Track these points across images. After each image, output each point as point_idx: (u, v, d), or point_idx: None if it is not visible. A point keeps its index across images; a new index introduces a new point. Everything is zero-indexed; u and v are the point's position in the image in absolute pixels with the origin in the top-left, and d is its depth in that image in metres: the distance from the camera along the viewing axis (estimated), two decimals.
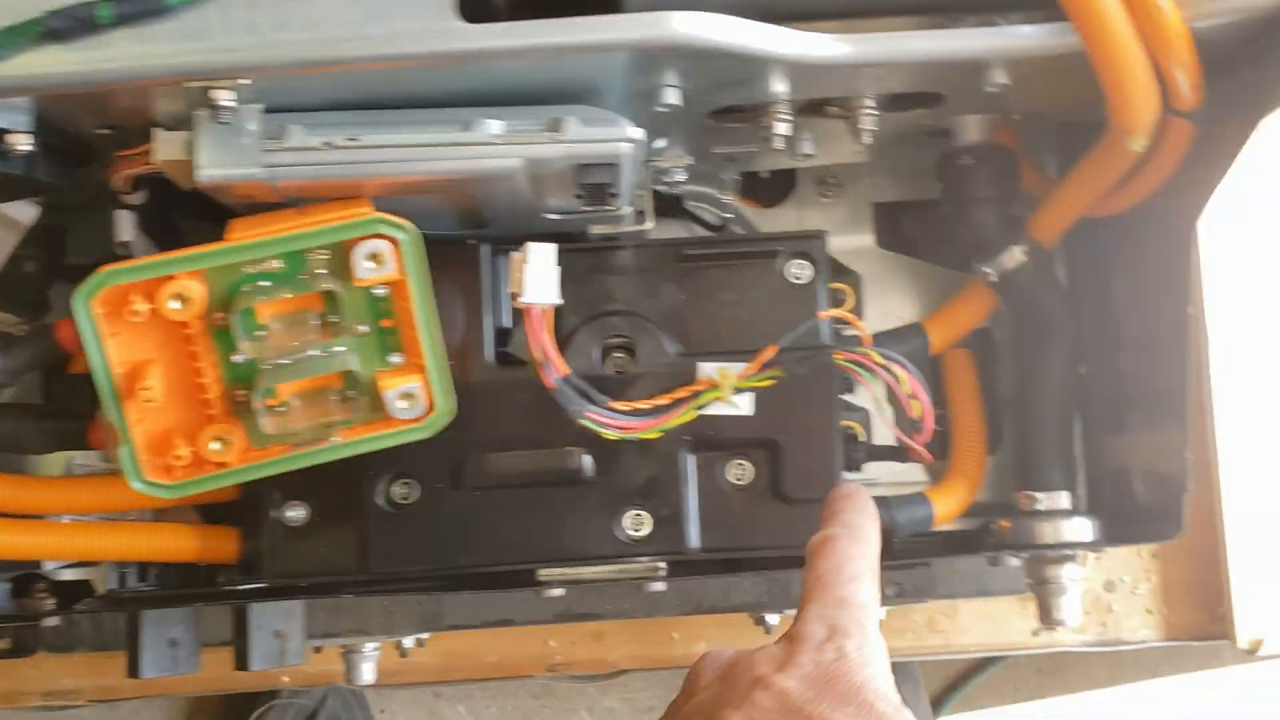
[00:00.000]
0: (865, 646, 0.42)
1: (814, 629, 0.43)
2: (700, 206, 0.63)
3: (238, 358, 0.46)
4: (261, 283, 0.46)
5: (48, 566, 0.60)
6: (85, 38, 0.43)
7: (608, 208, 0.52)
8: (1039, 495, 0.59)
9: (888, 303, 0.65)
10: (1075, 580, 0.59)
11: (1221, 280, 0.86)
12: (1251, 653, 0.84)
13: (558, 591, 0.62)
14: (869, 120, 0.51)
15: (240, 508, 0.58)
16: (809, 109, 0.53)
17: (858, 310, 0.64)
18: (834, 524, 0.47)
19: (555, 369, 0.49)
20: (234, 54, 0.43)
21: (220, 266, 0.45)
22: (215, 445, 0.46)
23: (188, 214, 0.53)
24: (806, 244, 0.56)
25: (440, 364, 0.48)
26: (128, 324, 0.44)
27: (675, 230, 0.64)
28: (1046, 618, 0.60)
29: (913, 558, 0.60)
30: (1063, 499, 0.59)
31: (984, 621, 0.87)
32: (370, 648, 0.75)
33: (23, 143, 0.45)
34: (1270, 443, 0.86)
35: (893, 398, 0.53)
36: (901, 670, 0.98)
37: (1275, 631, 0.83)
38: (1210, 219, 0.87)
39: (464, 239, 0.54)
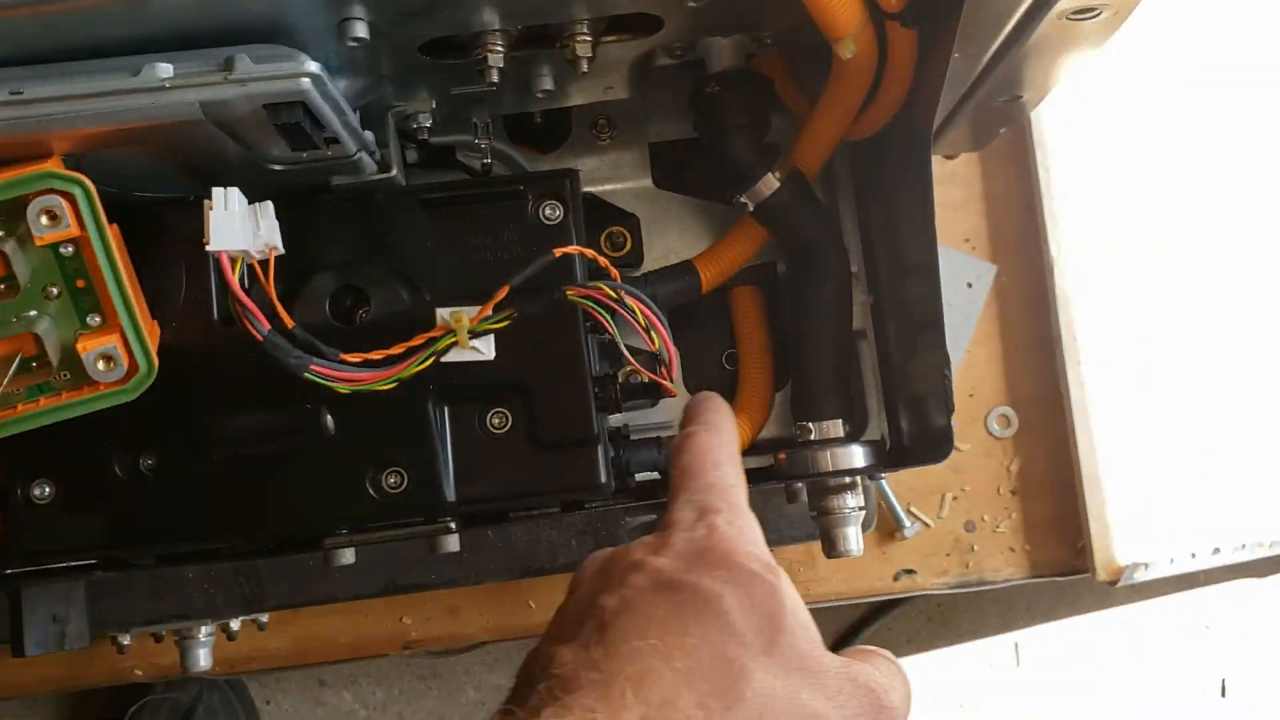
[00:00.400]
0: (736, 519, 0.43)
1: (684, 514, 0.44)
2: (469, 155, 0.62)
3: None
4: None
5: None
6: None
7: (326, 152, 0.51)
8: (813, 425, 0.58)
9: (669, 243, 0.63)
10: (855, 509, 0.58)
11: (1074, 226, 0.86)
12: (1112, 583, 0.83)
13: (348, 558, 0.60)
14: (584, 48, 0.50)
15: None
16: (530, 41, 0.52)
17: (638, 252, 0.63)
18: (693, 422, 0.49)
19: (260, 321, 0.48)
20: None
21: None
22: None
23: None
24: (556, 183, 0.55)
25: (135, 322, 0.46)
26: None
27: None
28: (831, 549, 0.58)
29: None
30: (836, 428, 0.57)
31: (842, 569, 0.86)
32: (204, 633, 0.74)
33: None
34: (1122, 374, 0.85)
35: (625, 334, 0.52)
36: None
37: (1133, 561, 0.82)
38: (1058, 130, 0.86)
39: (187, 196, 0.52)
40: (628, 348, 0.51)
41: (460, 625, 0.85)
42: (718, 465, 0.47)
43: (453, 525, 0.55)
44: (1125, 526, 0.83)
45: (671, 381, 0.52)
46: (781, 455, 0.58)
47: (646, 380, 0.52)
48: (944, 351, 0.53)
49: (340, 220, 0.54)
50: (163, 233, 0.50)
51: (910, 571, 0.86)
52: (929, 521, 0.86)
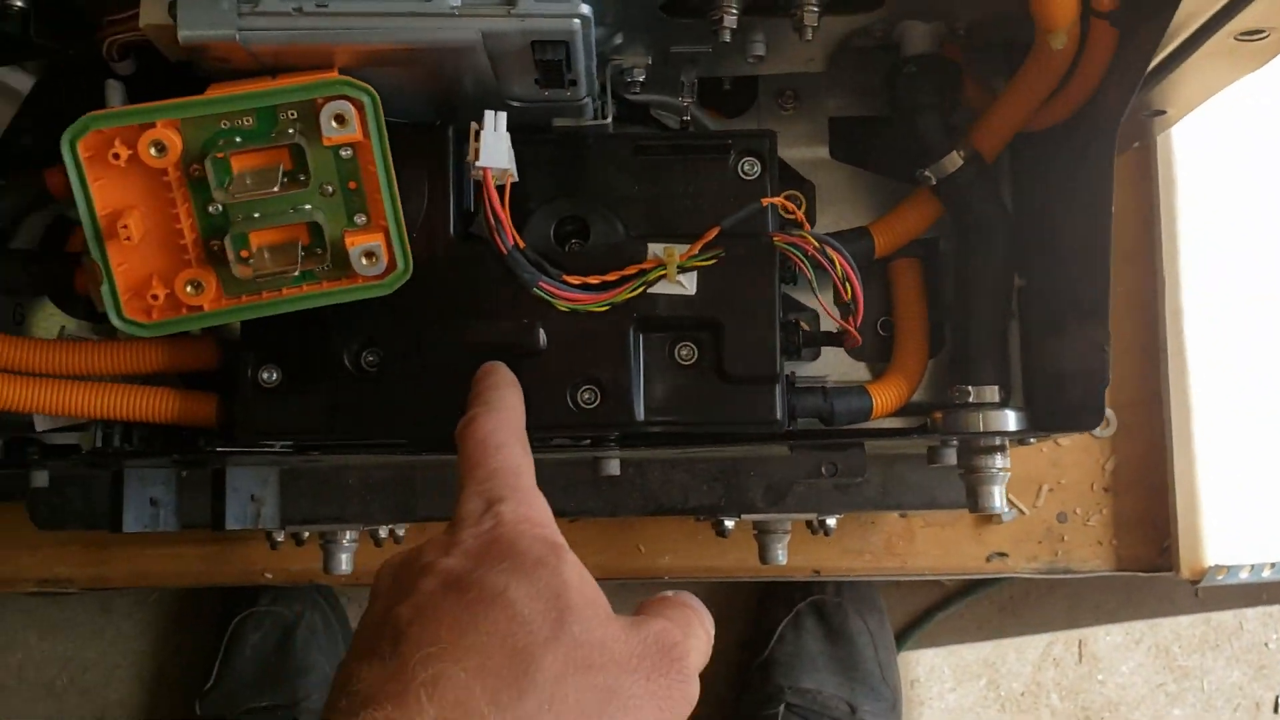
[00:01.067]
0: (520, 505, 0.44)
1: (471, 507, 0.45)
2: (664, 115, 0.66)
3: (213, 208, 0.50)
4: (236, 138, 0.49)
5: (40, 429, 0.64)
6: None
7: (565, 93, 0.56)
8: (970, 389, 0.62)
9: (839, 211, 0.68)
10: (1002, 470, 0.63)
11: (1189, 243, 0.90)
12: (1194, 583, 0.88)
13: None
14: (810, 16, 0.55)
15: (219, 375, 0.62)
16: (756, 7, 0.56)
17: (810, 216, 0.67)
18: (474, 405, 0.50)
19: (508, 236, 0.53)
20: None
21: (197, 119, 0.49)
22: (190, 289, 0.50)
23: (175, 89, 0.57)
24: (757, 141, 0.60)
25: (399, 226, 0.52)
26: (110, 169, 0.48)
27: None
28: (975, 504, 0.63)
29: (848, 442, 0.63)
30: (992, 393, 0.62)
31: (938, 546, 0.91)
32: (348, 538, 0.79)
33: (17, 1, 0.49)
34: (1221, 387, 0.89)
35: (827, 282, 0.56)
36: (867, 600, 1.02)
37: (1216, 563, 0.87)
38: (1186, 147, 0.90)
39: (430, 124, 0.57)
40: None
41: None
42: (500, 447, 0.47)
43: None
44: (1211, 530, 0.87)
45: (856, 331, 0.57)
46: (937, 414, 0.63)
47: (835, 329, 0.57)
48: (1106, 330, 0.57)
49: (561, 157, 0.59)
50: (410, 152, 0.55)
51: (1003, 554, 0.91)
52: (1024, 509, 0.90)
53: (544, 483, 0.77)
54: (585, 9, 0.50)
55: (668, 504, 0.78)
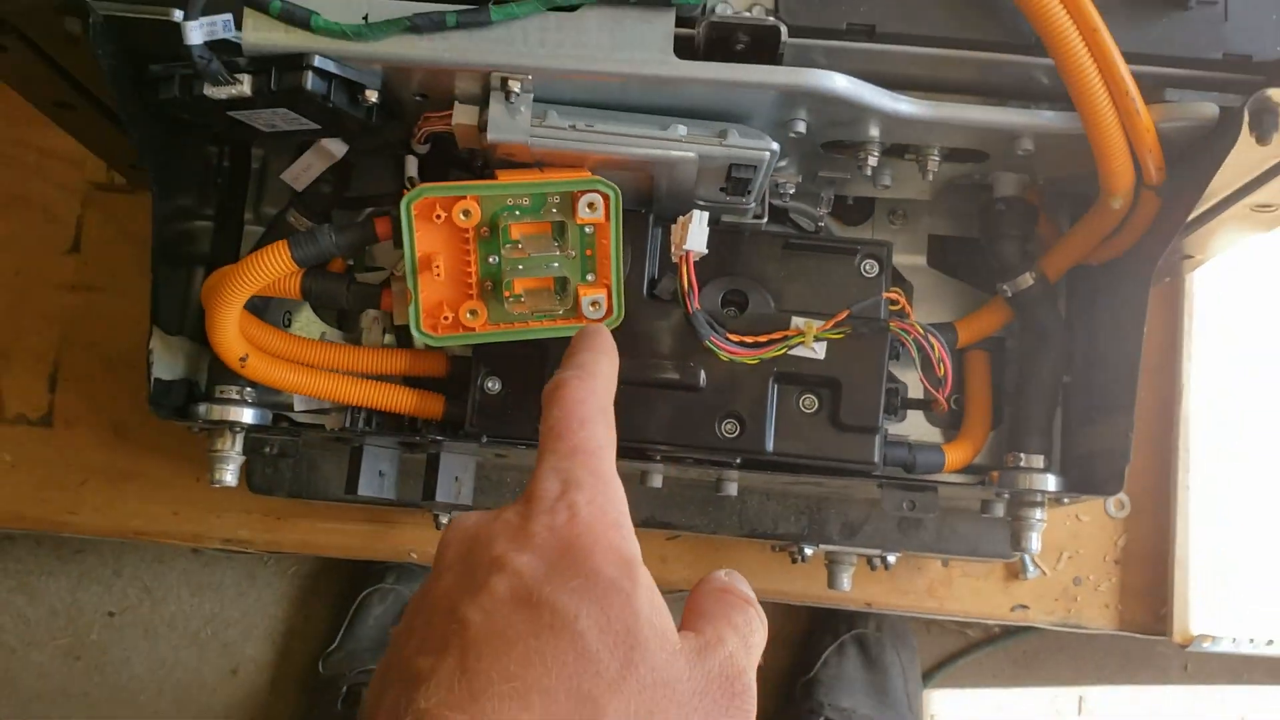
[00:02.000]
0: (597, 496, 0.43)
1: (547, 486, 0.43)
2: (800, 216, 0.85)
3: (492, 259, 0.69)
4: (515, 212, 0.68)
5: (299, 409, 0.82)
6: (434, 34, 0.65)
7: (741, 201, 0.75)
8: (1022, 455, 0.80)
9: (930, 308, 0.87)
10: (1041, 520, 0.80)
11: (1206, 363, 1.08)
12: (1183, 647, 1.04)
13: (657, 481, 0.84)
14: (933, 164, 0.74)
15: (446, 380, 0.80)
16: (891, 151, 0.75)
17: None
18: (568, 366, 0.49)
19: (696, 299, 0.72)
20: (528, 58, 0.66)
21: (493, 197, 0.67)
22: (469, 315, 0.69)
23: (453, 165, 0.76)
24: (878, 249, 0.78)
25: (620, 285, 0.70)
26: (430, 225, 0.67)
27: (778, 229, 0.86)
28: (1016, 545, 0.80)
29: (924, 485, 0.81)
30: (1039, 460, 0.80)
31: (973, 593, 1.08)
32: None
33: (371, 96, 0.68)
34: (1223, 486, 1.06)
35: (925, 361, 0.75)
36: (903, 638, 1.19)
37: (1206, 631, 1.03)
38: (1206, 286, 1.08)
39: (638, 210, 0.76)
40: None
41: (667, 572, 1.08)
42: (585, 421, 0.46)
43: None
44: (1202, 605, 1.04)
45: (945, 400, 0.75)
46: (994, 474, 0.81)
47: (924, 397, 0.75)
48: (1131, 420, 0.75)
49: (726, 244, 0.78)
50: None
51: (1025, 606, 1.08)
52: (1046, 571, 1.07)
53: (664, 500, 0.95)
54: (775, 146, 0.69)
55: (760, 529, 0.96)
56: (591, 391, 0.48)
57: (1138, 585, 1.07)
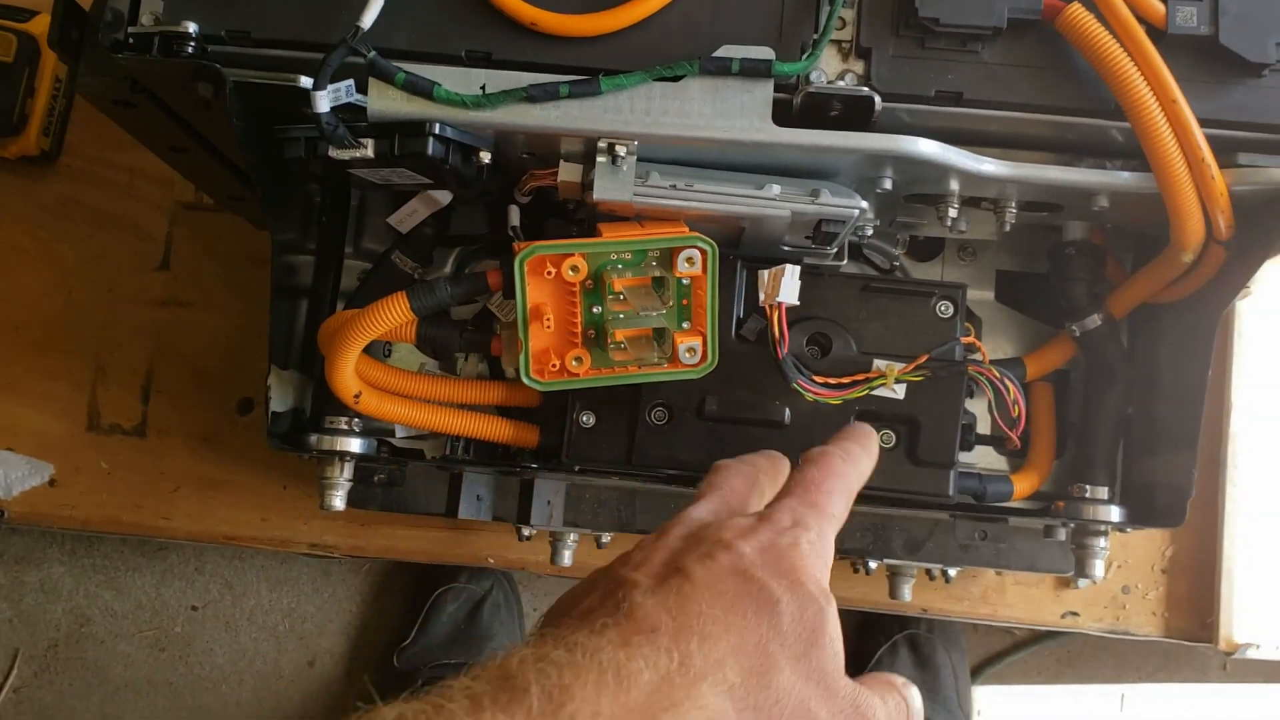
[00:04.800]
0: (818, 543, 0.50)
1: (782, 516, 0.51)
2: (874, 254, 0.89)
3: (595, 309, 0.73)
4: (618, 266, 0.72)
5: (400, 436, 0.87)
6: (547, 102, 0.70)
7: (826, 249, 0.79)
8: (1087, 486, 0.84)
9: (998, 342, 0.91)
10: (1103, 548, 0.84)
11: (1251, 382, 1.11)
12: (1229, 654, 1.09)
13: None
14: (1011, 215, 0.78)
15: (540, 412, 0.85)
16: (969, 202, 0.79)
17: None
18: (836, 445, 0.57)
19: (785, 346, 0.76)
20: (634, 125, 0.70)
21: (597, 253, 0.72)
22: (574, 362, 0.73)
23: (550, 213, 0.81)
24: (952, 291, 0.82)
25: (715, 333, 0.74)
26: (540, 279, 0.71)
27: (853, 267, 0.90)
28: (1081, 571, 0.85)
29: (995, 515, 0.85)
30: (1102, 492, 0.84)
31: (1025, 601, 1.12)
32: (572, 538, 1.02)
33: (485, 158, 0.72)
34: (1267, 499, 1.10)
35: (1000, 402, 0.79)
36: (953, 639, 1.24)
37: (1250, 640, 1.08)
38: (1250, 320, 1.12)
39: (726, 254, 0.80)
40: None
41: None
42: (831, 493, 0.53)
43: None
44: (1246, 614, 1.09)
45: (1018, 439, 0.79)
46: (1060, 503, 0.85)
47: (997, 433, 0.79)
48: (1195, 455, 0.80)
49: (807, 285, 0.82)
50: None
51: (1074, 614, 1.12)
52: (1096, 580, 1.12)
53: None
54: (864, 203, 0.73)
55: None
56: (846, 472, 0.56)
57: (1184, 594, 1.12)
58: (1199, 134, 0.69)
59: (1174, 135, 0.69)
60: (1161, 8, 0.69)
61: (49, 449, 1.13)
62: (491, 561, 1.13)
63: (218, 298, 1.14)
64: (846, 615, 1.30)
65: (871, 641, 1.25)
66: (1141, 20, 0.69)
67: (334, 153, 0.70)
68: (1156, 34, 0.69)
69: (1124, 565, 1.12)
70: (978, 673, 1.27)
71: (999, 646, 1.28)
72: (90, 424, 1.13)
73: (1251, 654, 1.09)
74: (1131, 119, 0.69)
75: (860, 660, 1.24)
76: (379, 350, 0.88)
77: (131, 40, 0.71)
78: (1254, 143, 0.71)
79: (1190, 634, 1.12)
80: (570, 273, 0.71)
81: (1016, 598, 1.12)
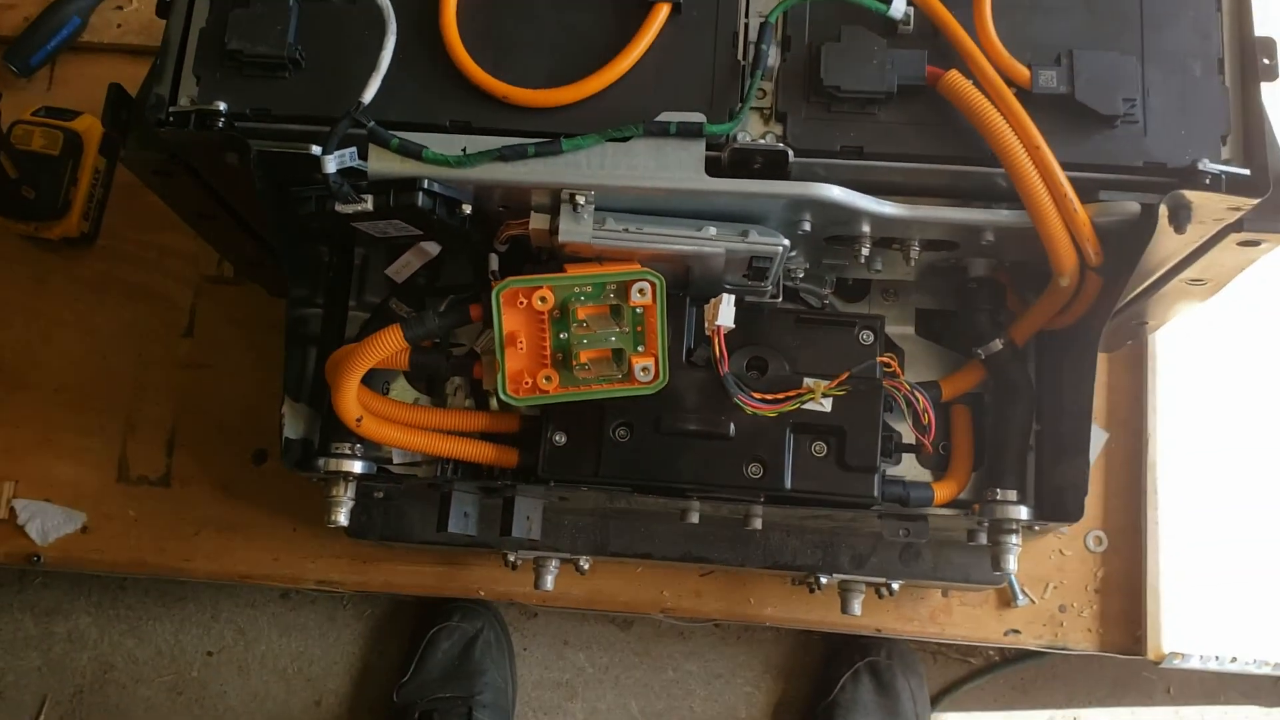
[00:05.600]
0: None
1: None
2: (809, 294, 1.03)
3: (563, 335, 0.86)
4: (581, 297, 0.86)
5: (396, 462, 0.99)
6: (517, 161, 0.84)
7: (761, 284, 0.92)
8: (999, 490, 0.96)
9: (919, 369, 1.03)
10: (1016, 544, 0.96)
11: (1168, 416, 1.24)
12: (1157, 663, 1.19)
13: (694, 518, 1.00)
14: (914, 253, 0.91)
15: (518, 436, 0.97)
16: (880, 243, 0.93)
17: (900, 369, 1.02)
18: None
19: (726, 365, 0.89)
20: (591, 177, 0.84)
21: (563, 286, 0.85)
22: (545, 380, 0.86)
23: (526, 259, 0.94)
24: (872, 321, 0.95)
25: (665, 354, 0.87)
26: (515, 309, 0.84)
27: (789, 304, 1.03)
28: (996, 565, 0.96)
29: (917, 515, 0.97)
30: (1012, 494, 0.96)
31: (970, 620, 1.23)
32: (554, 564, 1.13)
33: (466, 209, 0.86)
34: (1186, 519, 1.22)
35: (911, 411, 0.91)
36: (911, 666, 1.34)
37: (1176, 649, 1.18)
38: (1165, 356, 1.24)
39: (677, 293, 0.94)
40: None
41: (700, 605, 1.23)
42: None
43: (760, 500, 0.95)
44: (1172, 626, 1.19)
45: (930, 444, 0.91)
46: (976, 506, 0.97)
47: (914, 442, 0.92)
48: (1087, 460, 0.92)
49: (749, 319, 0.94)
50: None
51: (1016, 631, 1.23)
52: (1035, 600, 1.23)
53: (699, 537, 1.11)
54: (786, 242, 0.87)
55: (781, 561, 1.12)
56: None
57: (1116, 611, 1.22)
58: (1062, 175, 0.82)
59: (1041, 177, 0.83)
60: (1026, 71, 0.84)
61: (82, 499, 1.25)
62: (482, 593, 1.24)
63: (236, 360, 1.27)
64: (810, 643, 1.42)
65: (835, 670, 1.34)
66: (1010, 83, 0.84)
67: (340, 207, 0.84)
68: (1023, 94, 0.84)
69: (1060, 586, 1.23)
70: (937, 700, 1.36)
71: (956, 675, 1.38)
72: (120, 475, 1.25)
73: (1179, 664, 1.19)
74: (1005, 165, 0.83)
75: (825, 687, 1.33)
76: (379, 385, 1.01)
77: (172, 118, 0.85)
78: (1112, 181, 0.85)
79: (1123, 648, 1.22)
80: (540, 303, 0.84)
81: (962, 617, 1.23)
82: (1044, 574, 1.23)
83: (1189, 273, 0.94)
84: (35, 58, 1.31)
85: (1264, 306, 1.28)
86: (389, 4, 0.85)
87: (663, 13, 0.86)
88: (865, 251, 0.91)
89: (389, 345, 0.87)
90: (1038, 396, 1.01)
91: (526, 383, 0.86)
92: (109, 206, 1.31)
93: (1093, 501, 1.24)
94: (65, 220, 1.27)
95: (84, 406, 1.27)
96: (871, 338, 0.95)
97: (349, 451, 0.97)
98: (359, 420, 0.91)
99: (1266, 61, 0.87)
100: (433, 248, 0.94)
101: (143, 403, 1.27)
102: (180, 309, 1.29)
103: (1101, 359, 1.27)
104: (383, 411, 0.94)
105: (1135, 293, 0.99)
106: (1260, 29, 0.87)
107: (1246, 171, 0.83)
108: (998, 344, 0.96)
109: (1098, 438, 1.25)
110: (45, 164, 1.24)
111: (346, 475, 0.97)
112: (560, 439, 0.94)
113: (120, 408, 1.27)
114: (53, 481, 1.25)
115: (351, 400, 0.90)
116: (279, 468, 1.07)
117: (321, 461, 0.97)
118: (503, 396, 0.86)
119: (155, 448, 1.26)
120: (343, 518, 0.98)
